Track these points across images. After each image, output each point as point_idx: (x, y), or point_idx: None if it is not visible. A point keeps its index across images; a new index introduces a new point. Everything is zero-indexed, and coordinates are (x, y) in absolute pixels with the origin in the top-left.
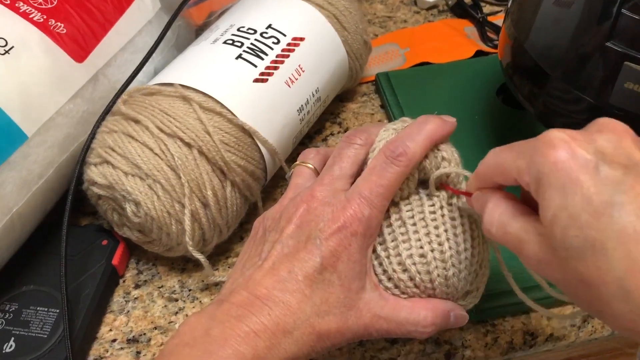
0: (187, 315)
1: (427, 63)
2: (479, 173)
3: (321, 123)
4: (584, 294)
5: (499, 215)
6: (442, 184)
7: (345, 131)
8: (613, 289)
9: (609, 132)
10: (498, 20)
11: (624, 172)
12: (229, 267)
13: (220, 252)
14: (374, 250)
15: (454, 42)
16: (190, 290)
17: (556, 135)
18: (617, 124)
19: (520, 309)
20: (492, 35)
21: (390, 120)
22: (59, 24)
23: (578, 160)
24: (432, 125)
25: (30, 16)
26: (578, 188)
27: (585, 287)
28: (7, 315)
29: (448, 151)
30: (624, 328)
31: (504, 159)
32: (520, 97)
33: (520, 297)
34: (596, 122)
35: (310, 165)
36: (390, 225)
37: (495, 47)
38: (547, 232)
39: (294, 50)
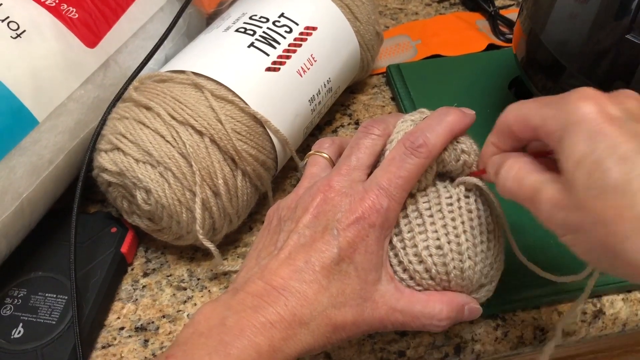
0: (195, 304)
1: (439, 56)
2: (497, 125)
3: (331, 114)
4: (599, 233)
5: (516, 170)
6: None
7: (355, 123)
8: (630, 225)
9: (636, 99)
10: (510, 14)
11: None
12: (238, 257)
13: (230, 242)
14: (390, 242)
15: (466, 35)
16: (199, 279)
17: (588, 91)
18: None
19: (531, 304)
20: (504, 29)
21: (401, 112)
22: (71, 8)
23: (607, 114)
24: (453, 117)
25: (42, 0)
26: (605, 137)
27: (601, 226)
28: (15, 301)
29: (467, 143)
30: (637, 264)
31: (528, 108)
32: (535, 90)
33: (521, 260)
34: (624, 90)
35: (326, 155)
36: (406, 216)
37: (507, 40)
38: (568, 177)
39: (306, 39)
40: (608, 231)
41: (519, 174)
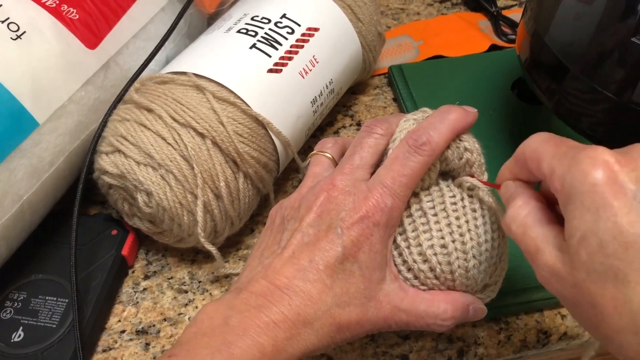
0: (197, 307)
1: (441, 56)
2: (516, 153)
3: (333, 115)
4: (592, 317)
5: (524, 216)
6: (470, 174)
7: (357, 124)
8: (625, 320)
9: None
10: (512, 14)
11: None
12: (239, 260)
13: (231, 244)
14: (394, 241)
15: (468, 35)
16: (200, 282)
17: (601, 155)
18: None
19: (535, 307)
20: (506, 30)
21: (403, 113)
22: (71, 9)
23: (617, 187)
24: (455, 115)
25: (43, 1)
26: (612, 215)
27: (596, 312)
28: (15, 304)
29: (470, 141)
30: (626, 357)
31: (543, 150)
32: (539, 92)
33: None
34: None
35: (329, 155)
36: (410, 215)
37: (510, 41)
38: (570, 250)
39: (308, 40)
40: (601, 318)
41: (525, 221)
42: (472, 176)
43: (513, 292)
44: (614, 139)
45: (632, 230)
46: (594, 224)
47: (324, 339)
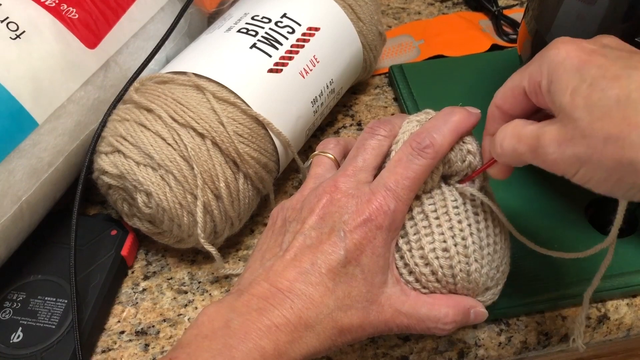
0: (196, 308)
1: (442, 56)
2: (488, 115)
3: (333, 115)
4: (611, 151)
5: (511, 128)
6: (462, 180)
7: (358, 124)
8: None
9: (610, 37)
10: (513, 13)
11: (630, 53)
12: (239, 260)
13: (231, 245)
14: (396, 243)
15: (469, 35)
16: (200, 282)
17: (563, 38)
18: (613, 36)
19: (535, 309)
20: (507, 29)
21: (404, 113)
22: (71, 8)
23: (587, 49)
24: (458, 117)
25: (42, 0)
26: (592, 64)
27: (612, 142)
28: (14, 305)
29: (473, 144)
30: None
31: (511, 79)
32: None
33: (528, 244)
34: (599, 35)
35: (331, 155)
36: (412, 218)
37: (511, 41)
38: (566, 109)
39: (308, 40)
40: (621, 145)
41: (515, 130)
42: (473, 182)
43: (513, 293)
44: None
45: (615, 66)
46: (579, 77)
47: (326, 342)
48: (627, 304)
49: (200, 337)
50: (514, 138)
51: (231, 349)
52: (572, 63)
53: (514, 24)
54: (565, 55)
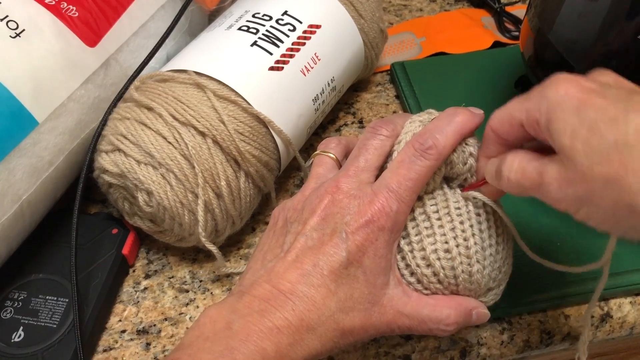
0: (198, 306)
1: (444, 53)
2: (484, 136)
3: (335, 113)
4: (610, 195)
5: (518, 162)
6: (466, 187)
7: (359, 122)
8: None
9: (609, 74)
10: (516, 10)
11: (629, 92)
12: (240, 259)
13: (232, 244)
14: (397, 245)
15: (471, 32)
16: (201, 281)
17: (562, 75)
18: (612, 72)
19: (538, 307)
20: (509, 26)
21: (405, 111)
22: (71, 7)
23: (587, 88)
24: (461, 118)
25: None
26: (591, 106)
27: (611, 186)
28: (15, 304)
29: (475, 147)
30: None
31: (508, 108)
32: None
33: (532, 257)
34: (597, 70)
35: (332, 155)
36: (414, 219)
37: (514, 38)
38: (566, 150)
39: (310, 38)
40: (619, 189)
41: (521, 164)
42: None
43: (516, 292)
44: None
45: (613, 108)
46: (578, 119)
47: (328, 344)
48: (630, 302)
49: (202, 338)
50: (519, 173)
51: (233, 350)
52: (571, 104)
53: (516, 21)
54: (564, 94)
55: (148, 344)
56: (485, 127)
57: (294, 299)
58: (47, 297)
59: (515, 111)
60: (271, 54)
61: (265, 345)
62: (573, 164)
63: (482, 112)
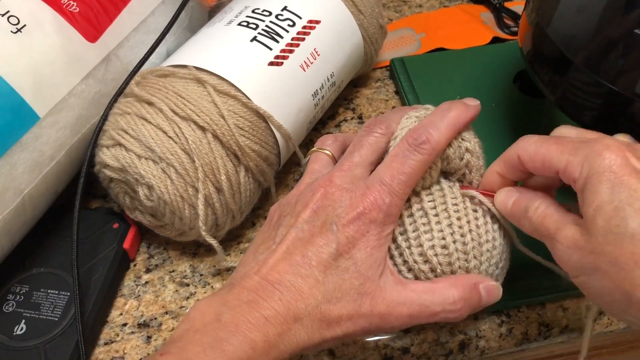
0: (198, 300)
1: (443, 49)
2: (506, 157)
3: (334, 108)
4: (614, 277)
5: (544, 208)
6: (465, 186)
7: (358, 117)
8: None
9: None
10: (515, 6)
11: None
12: (240, 253)
13: (232, 238)
14: (395, 240)
15: (470, 28)
16: (201, 275)
17: (613, 142)
18: None
19: (536, 300)
20: (508, 22)
21: (405, 106)
22: (71, 2)
23: (631, 167)
24: (455, 112)
25: None
26: (627, 188)
27: (617, 270)
28: (17, 298)
29: (472, 142)
30: None
31: (550, 151)
32: (541, 84)
33: (530, 255)
34: None
35: (328, 152)
36: (411, 215)
37: (512, 33)
38: (587, 220)
39: (309, 33)
40: (623, 276)
41: (546, 211)
42: (471, 183)
43: (514, 285)
44: (617, 132)
45: None
46: (609, 196)
47: (314, 336)
48: None
49: (192, 331)
50: (541, 218)
51: (222, 342)
52: (610, 178)
53: (515, 17)
54: (608, 165)
55: (149, 337)
56: (512, 149)
57: (281, 288)
58: (49, 291)
59: (556, 158)
60: (271, 49)
61: (253, 336)
62: (589, 235)
63: (477, 102)
